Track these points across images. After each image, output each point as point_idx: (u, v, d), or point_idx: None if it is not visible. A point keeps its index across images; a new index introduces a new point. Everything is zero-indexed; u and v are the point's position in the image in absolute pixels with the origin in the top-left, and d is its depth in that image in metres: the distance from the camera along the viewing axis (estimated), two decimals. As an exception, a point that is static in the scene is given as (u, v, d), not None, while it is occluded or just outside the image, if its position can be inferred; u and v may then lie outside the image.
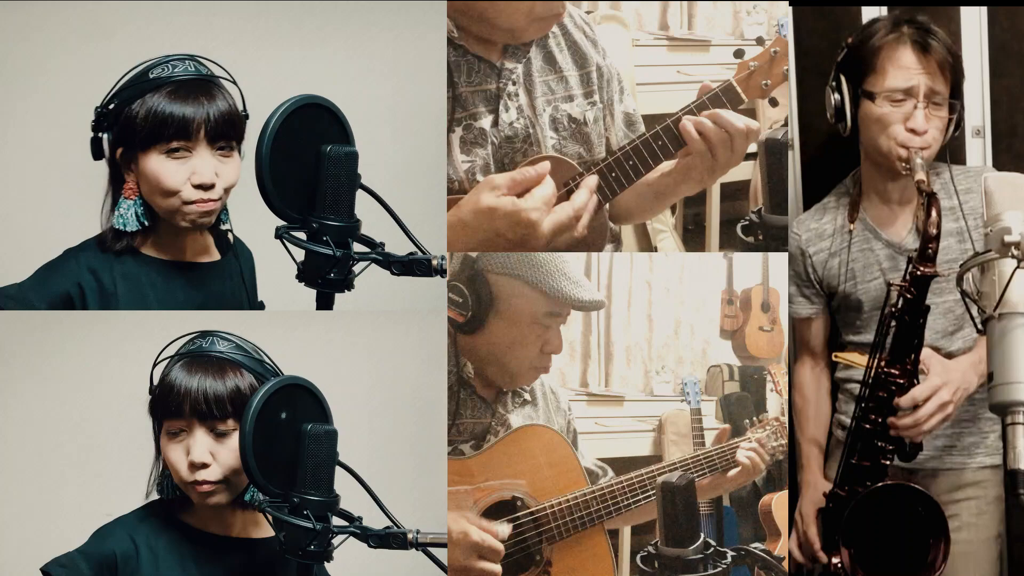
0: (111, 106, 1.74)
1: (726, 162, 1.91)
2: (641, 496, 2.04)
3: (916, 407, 1.89)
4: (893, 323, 1.87)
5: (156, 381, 1.74)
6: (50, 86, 2.20)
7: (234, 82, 1.80)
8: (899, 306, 1.86)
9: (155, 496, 1.78)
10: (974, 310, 1.68)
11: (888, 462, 1.93)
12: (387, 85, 2.27)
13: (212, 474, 1.69)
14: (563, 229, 1.87)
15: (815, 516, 2.08)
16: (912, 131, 1.96)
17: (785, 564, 2.12)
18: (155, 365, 1.75)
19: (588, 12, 2.17)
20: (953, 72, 1.99)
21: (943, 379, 1.90)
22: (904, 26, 1.99)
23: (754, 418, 2.25)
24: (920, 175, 1.87)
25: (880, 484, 1.90)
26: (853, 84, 2.03)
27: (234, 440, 1.68)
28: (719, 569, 2.02)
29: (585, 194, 1.90)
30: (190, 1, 2.21)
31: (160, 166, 1.72)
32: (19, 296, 1.77)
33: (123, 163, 1.76)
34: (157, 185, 1.73)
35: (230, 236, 1.91)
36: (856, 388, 2.18)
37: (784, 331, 2.31)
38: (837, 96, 2.05)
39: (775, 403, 2.39)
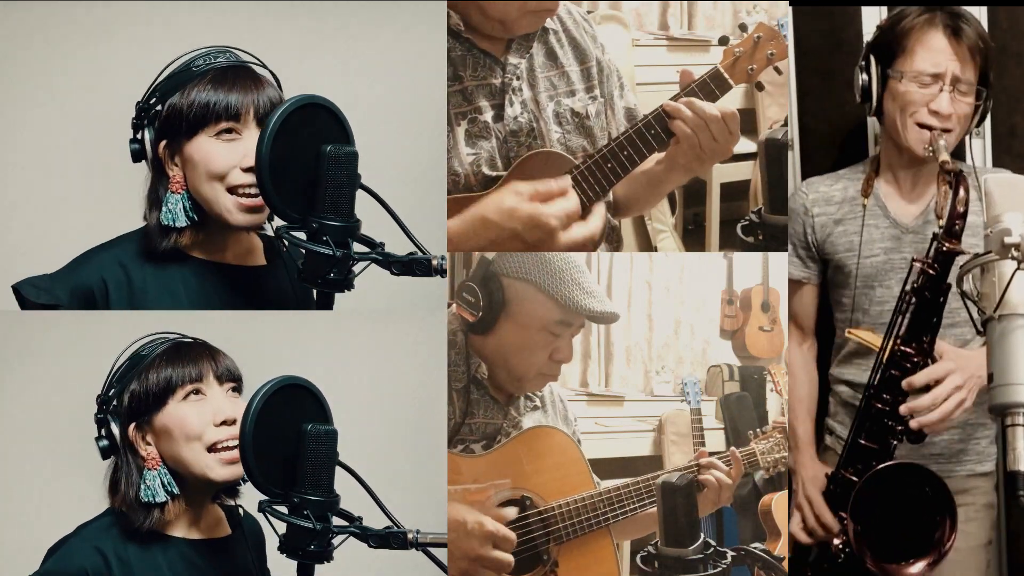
0: (151, 101, 1.73)
1: (710, 149, 1.91)
2: (647, 500, 2.04)
3: (929, 387, 1.88)
4: (913, 300, 1.87)
5: (127, 382, 1.72)
6: (60, 87, 2.20)
7: (272, 72, 1.81)
8: (920, 282, 1.86)
9: (142, 504, 1.70)
10: (974, 311, 1.68)
11: (896, 442, 1.93)
12: (387, 85, 2.27)
13: (238, 430, 1.67)
14: (577, 248, 1.89)
15: (822, 498, 2.06)
16: (935, 113, 1.97)
17: (785, 564, 2.12)
18: (116, 370, 1.74)
19: (589, 12, 2.17)
20: (983, 60, 2.00)
21: (956, 364, 1.89)
22: (938, 11, 2.00)
23: (757, 430, 2.25)
24: (944, 156, 1.87)
25: (887, 464, 1.90)
26: (882, 65, 2.03)
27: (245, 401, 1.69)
28: (719, 569, 2.02)
29: (599, 220, 1.92)
30: (190, 1, 2.21)
31: (209, 147, 1.71)
32: (47, 287, 1.75)
33: (166, 157, 1.74)
34: (205, 168, 1.71)
35: (284, 241, 1.90)
36: (845, 391, 2.19)
37: (784, 331, 2.31)
38: (865, 76, 2.05)
39: (775, 403, 2.40)
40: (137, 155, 1.74)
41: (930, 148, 1.94)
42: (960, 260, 1.80)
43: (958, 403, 1.88)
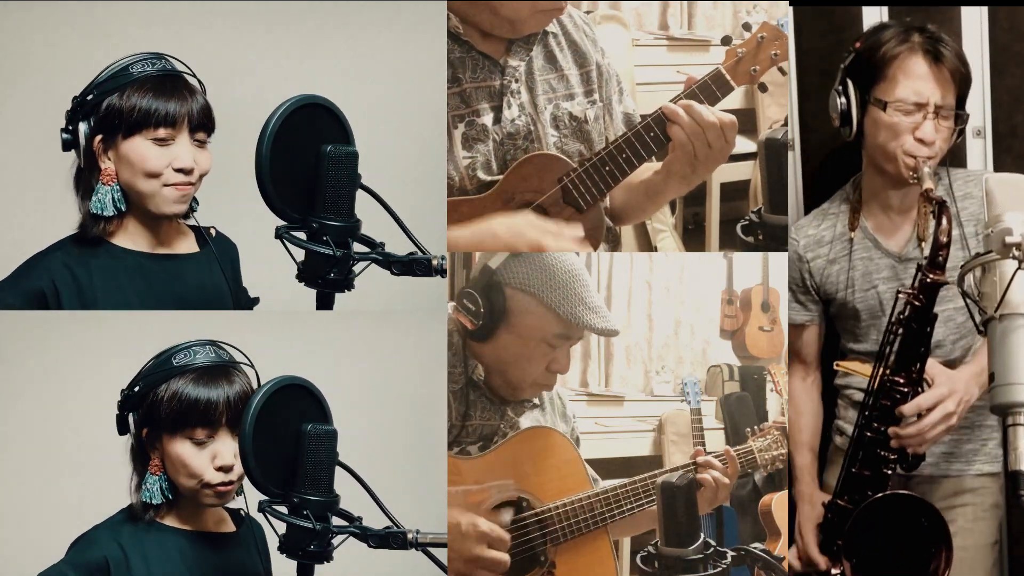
0: (89, 98, 1.79)
1: (705, 157, 1.90)
2: (644, 500, 2.04)
3: (920, 416, 1.88)
4: (900, 330, 1.87)
5: (154, 385, 1.76)
6: (39, 85, 2.20)
7: (196, 78, 1.86)
8: (907, 313, 1.86)
9: (141, 503, 1.77)
10: (975, 311, 1.68)
11: (890, 471, 1.93)
12: (387, 85, 2.27)
13: (235, 474, 1.75)
14: None
15: (815, 533, 2.07)
16: (920, 141, 1.96)
17: (785, 564, 2.12)
18: (141, 377, 1.77)
19: (588, 12, 2.17)
20: (961, 82, 1.98)
21: (949, 388, 1.89)
22: (915, 35, 1.97)
23: (755, 427, 2.24)
24: (928, 184, 1.87)
25: (881, 494, 1.90)
26: (861, 90, 2.01)
27: None
28: (719, 569, 2.01)
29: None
30: (191, 1, 2.21)
31: (146, 151, 1.78)
32: None
33: (100, 151, 1.80)
34: (142, 168, 1.79)
35: (212, 231, 1.94)
36: (855, 394, 2.18)
37: (784, 331, 2.30)
38: (843, 100, 2.03)
39: (775, 403, 2.40)
40: (68, 145, 1.81)
41: (915, 176, 1.94)
42: (961, 261, 1.80)
43: (944, 431, 1.89)
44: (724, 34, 1.98)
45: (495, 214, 1.91)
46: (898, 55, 1.97)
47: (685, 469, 2.07)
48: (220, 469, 1.74)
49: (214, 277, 1.93)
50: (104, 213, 1.80)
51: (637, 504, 2.04)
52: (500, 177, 1.94)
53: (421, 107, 2.13)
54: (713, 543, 2.03)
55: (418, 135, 2.15)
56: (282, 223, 1.67)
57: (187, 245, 1.92)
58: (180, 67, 1.84)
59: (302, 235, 1.66)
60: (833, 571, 1.99)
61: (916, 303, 1.84)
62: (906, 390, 1.89)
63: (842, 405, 2.23)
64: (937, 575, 1.85)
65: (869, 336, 2.12)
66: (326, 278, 1.67)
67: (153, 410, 1.75)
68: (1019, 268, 1.59)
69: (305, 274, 1.68)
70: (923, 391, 1.89)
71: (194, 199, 1.86)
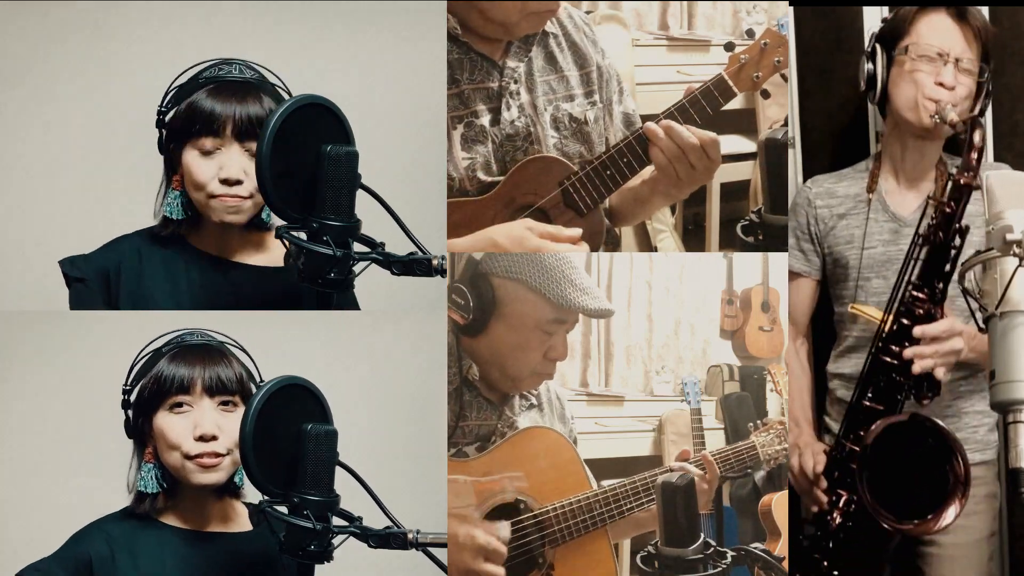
0: (167, 104, 1.85)
1: (688, 177, 1.89)
2: (644, 499, 2.03)
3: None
4: (929, 239, 1.85)
5: (143, 375, 1.79)
6: (39, 84, 2.21)
7: (287, 90, 1.88)
8: (935, 220, 1.84)
9: (137, 492, 1.79)
10: (975, 308, 1.68)
11: (903, 399, 1.91)
12: (387, 85, 2.27)
13: (220, 446, 1.75)
14: None
15: (824, 463, 2.06)
16: (940, 85, 2.00)
17: (785, 564, 2.12)
18: (137, 361, 1.81)
19: (588, 12, 2.16)
20: (985, 43, 2.04)
21: (960, 326, 1.89)
22: (944, 4, 2.04)
23: (758, 422, 2.24)
24: (953, 116, 1.89)
25: (889, 421, 1.87)
26: (887, 50, 2.07)
27: (239, 414, 1.72)
28: (719, 569, 2.01)
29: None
30: (190, 1, 2.21)
31: (192, 161, 1.82)
32: (80, 265, 1.89)
33: (175, 157, 1.85)
34: (189, 178, 1.83)
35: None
36: (839, 388, 2.19)
37: (784, 331, 2.31)
38: (870, 65, 2.08)
39: (775, 403, 2.40)
40: (161, 148, 1.89)
41: (937, 117, 1.95)
42: (962, 258, 1.79)
43: (953, 358, 1.88)
44: (724, 35, 1.98)
45: (494, 222, 1.91)
46: (923, 11, 2.04)
47: (663, 471, 2.07)
48: (200, 439, 1.74)
49: (289, 293, 1.94)
50: (173, 216, 1.86)
51: (637, 504, 2.04)
52: (501, 178, 1.94)
53: (421, 107, 2.13)
54: (713, 543, 2.03)
55: (418, 135, 2.15)
56: (282, 223, 1.67)
57: (265, 257, 1.93)
58: (256, 73, 1.87)
59: (302, 235, 1.66)
60: (835, 515, 1.96)
61: (946, 209, 1.83)
62: (927, 308, 1.88)
63: (828, 400, 2.24)
64: (959, 485, 1.83)
65: (858, 298, 2.14)
66: (326, 278, 1.67)
67: (140, 397, 1.78)
68: (1020, 265, 1.60)
69: (305, 274, 1.68)
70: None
71: (266, 210, 1.89)
